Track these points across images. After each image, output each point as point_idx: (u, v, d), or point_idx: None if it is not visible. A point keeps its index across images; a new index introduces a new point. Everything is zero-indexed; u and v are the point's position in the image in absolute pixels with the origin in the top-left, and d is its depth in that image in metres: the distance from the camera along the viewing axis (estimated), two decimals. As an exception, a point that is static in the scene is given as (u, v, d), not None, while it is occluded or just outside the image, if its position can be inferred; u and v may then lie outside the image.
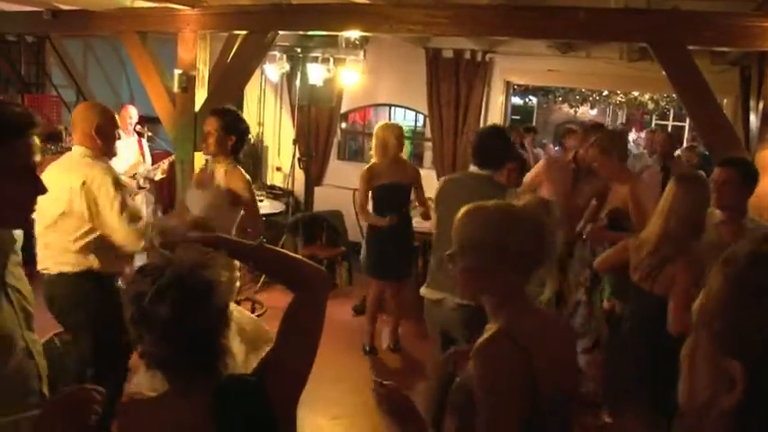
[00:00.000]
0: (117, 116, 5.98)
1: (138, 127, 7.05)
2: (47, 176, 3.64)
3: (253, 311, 6.04)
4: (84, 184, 3.49)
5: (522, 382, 1.67)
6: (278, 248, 1.90)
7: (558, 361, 1.78)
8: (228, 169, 4.03)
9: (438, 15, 4.71)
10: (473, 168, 4.00)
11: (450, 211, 3.66)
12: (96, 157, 3.63)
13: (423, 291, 3.94)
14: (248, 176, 4.10)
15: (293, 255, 1.87)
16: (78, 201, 3.50)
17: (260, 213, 4.30)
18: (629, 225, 4.10)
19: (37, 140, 1.78)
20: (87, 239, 3.58)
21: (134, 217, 3.64)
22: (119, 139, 3.82)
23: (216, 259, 1.56)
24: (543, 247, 1.80)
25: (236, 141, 4.02)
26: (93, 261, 3.62)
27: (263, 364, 1.67)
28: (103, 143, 3.67)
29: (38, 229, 3.59)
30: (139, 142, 7.01)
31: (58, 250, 3.59)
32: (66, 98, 8.97)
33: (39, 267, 3.65)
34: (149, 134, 7.37)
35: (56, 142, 6.93)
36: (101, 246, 3.62)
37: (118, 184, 3.62)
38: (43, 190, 1.82)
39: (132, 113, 6.93)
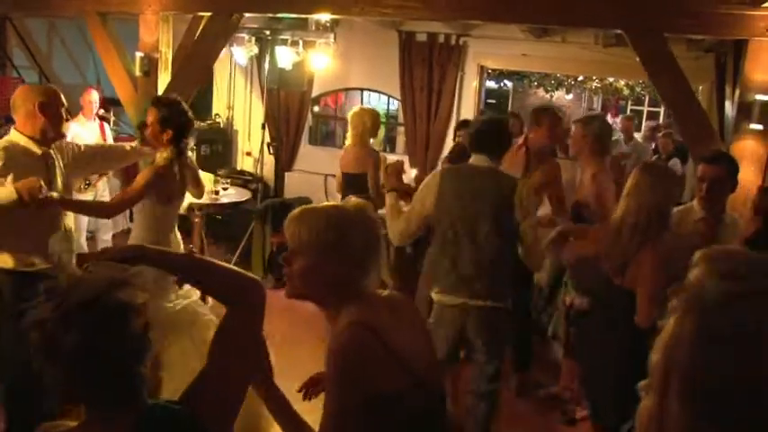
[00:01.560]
0: (81, 99, 5.74)
1: (102, 111, 6.83)
2: None
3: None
4: None
5: (373, 367, 1.75)
6: (209, 259, 1.74)
7: (410, 342, 1.86)
8: (157, 160, 3.87)
9: (410, -1, 4.58)
10: (473, 160, 3.65)
11: (464, 207, 3.48)
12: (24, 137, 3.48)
13: (438, 296, 3.59)
14: (160, 172, 3.80)
15: (226, 265, 1.70)
16: None
17: (125, 201, 3.91)
18: (594, 219, 4.00)
19: None
20: None
21: None
22: (67, 120, 3.64)
23: (137, 276, 1.39)
24: (377, 241, 1.93)
25: (174, 135, 3.82)
26: None
27: (192, 387, 1.50)
28: (48, 121, 3.50)
29: None
30: (101, 127, 6.77)
31: None
32: (29, 80, 8.67)
33: None
34: (113, 118, 7.15)
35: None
36: None
37: None
38: None
39: (94, 98, 6.68)
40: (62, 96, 3.66)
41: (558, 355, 5.09)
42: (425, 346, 1.97)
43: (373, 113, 5.63)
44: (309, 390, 2.23)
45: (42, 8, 6.21)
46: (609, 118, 14.99)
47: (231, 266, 1.70)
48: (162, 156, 3.83)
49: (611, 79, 12.11)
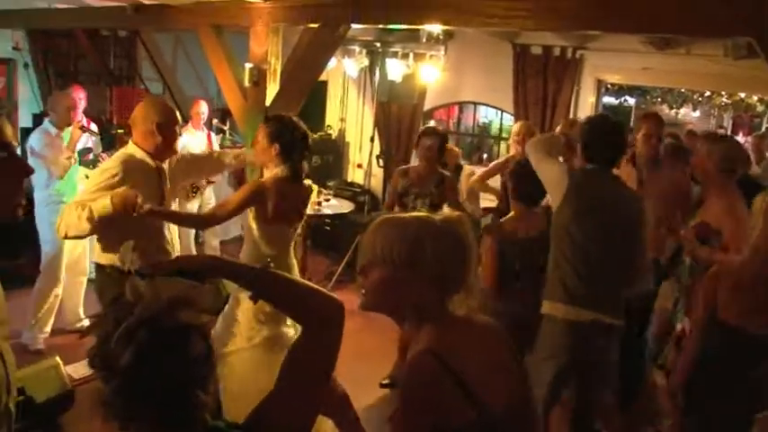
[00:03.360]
0: (191, 110, 5.92)
1: (216, 121, 7.03)
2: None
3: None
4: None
5: (440, 400, 1.64)
6: (287, 275, 1.63)
7: (491, 377, 1.71)
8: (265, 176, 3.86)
9: (517, 8, 4.37)
10: (593, 167, 3.44)
11: (602, 220, 3.31)
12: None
13: (564, 310, 3.32)
14: (257, 190, 3.75)
15: (306, 283, 1.59)
16: None
17: (217, 216, 3.88)
18: (717, 243, 3.63)
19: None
20: None
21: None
22: (180, 135, 3.75)
23: (202, 295, 1.32)
24: (463, 262, 1.76)
25: (282, 151, 3.74)
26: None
27: (257, 410, 1.40)
28: (165, 140, 3.62)
29: None
30: (208, 137, 6.99)
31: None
32: (154, 91, 9.10)
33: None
34: (228, 129, 7.34)
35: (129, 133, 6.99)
36: None
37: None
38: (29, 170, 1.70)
39: (203, 109, 6.91)
40: (177, 114, 3.79)
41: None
42: (511, 384, 1.79)
43: None
44: None
45: (160, 22, 6.46)
46: (740, 137, 14.13)
47: (312, 285, 1.58)
48: (270, 173, 3.79)
49: (742, 95, 11.33)
